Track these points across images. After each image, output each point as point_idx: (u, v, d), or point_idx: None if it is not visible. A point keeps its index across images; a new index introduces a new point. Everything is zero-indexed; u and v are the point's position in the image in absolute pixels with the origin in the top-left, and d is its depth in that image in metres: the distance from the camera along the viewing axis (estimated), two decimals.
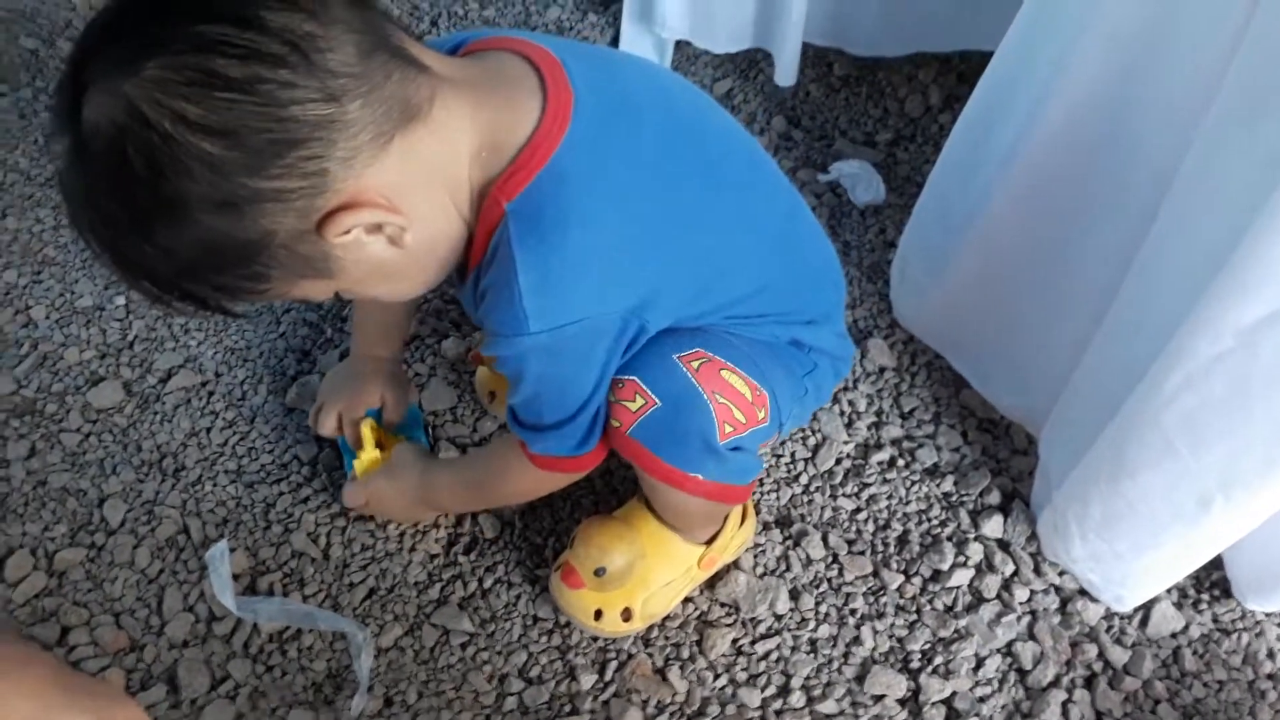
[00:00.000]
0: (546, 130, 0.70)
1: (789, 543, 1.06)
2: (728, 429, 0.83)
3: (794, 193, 0.91)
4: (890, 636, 1.01)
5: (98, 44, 0.61)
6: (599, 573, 0.94)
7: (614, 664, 0.98)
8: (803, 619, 1.01)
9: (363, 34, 0.64)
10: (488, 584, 1.03)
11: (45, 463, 1.11)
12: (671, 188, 0.77)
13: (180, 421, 1.14)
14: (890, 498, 1.09)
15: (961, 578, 1.03)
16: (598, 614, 0.97)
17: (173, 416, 1.14)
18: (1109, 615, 1.02)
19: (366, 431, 1.03)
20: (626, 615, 0.97)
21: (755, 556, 1.04)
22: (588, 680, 0.97)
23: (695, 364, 0.81)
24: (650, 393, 0.80)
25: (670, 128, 0.79)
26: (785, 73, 1.36)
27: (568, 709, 0.96)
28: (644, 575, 0.96)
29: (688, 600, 1.01)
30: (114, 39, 0.61)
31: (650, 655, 0.99)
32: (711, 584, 1.02)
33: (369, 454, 1.03)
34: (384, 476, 1.01)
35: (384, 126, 0.65)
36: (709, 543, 0.98)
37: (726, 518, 0.98)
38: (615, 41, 1.50)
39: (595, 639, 0.99)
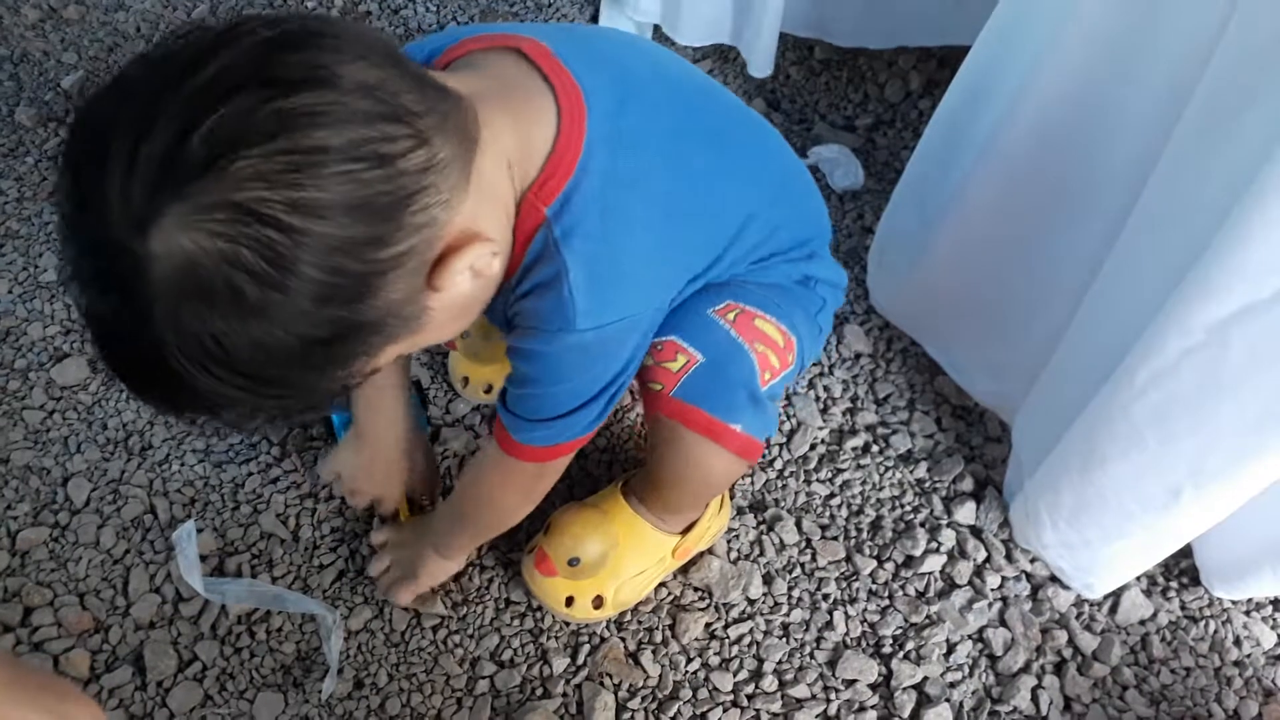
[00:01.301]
0: (568, 130, 0.69)
1: (762, 528, 1.06)
2: (766, 375, 0.84)
3: (766, 124, 0.91)
4: (863, 622, 1.01)
5: (126, 167, 0.51)
6: (572, 563, 0.94)
7: (586, 648, 0.98)
8: (775, 604, 1.01)
9: (404, 70, 0.60)
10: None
11: (7, 440, 1.09)
12: (685, 158, 0.77)
13: None
14: (864, 483, 1.09)
15: (934, 564, 1.04)
16: (569, 600, 0.96)
17: None
18: (1079, 602, 1.03)
19: (404, 504, 1.03)
20: (598, 603, 0.97)
21: (729, 541, 1.04)
22: (560, 664, 0.97)
23: (730, 315, 0.83)
24: (692, 350, 0.81)
25: (671, 98, 0.79)
26: (760, 64, 1.35)
27: (540, 692, 0.96)
28: (616, 564, 0.95)
29: (661, 585, 1.01)
30: (153, 158, 0.51)
31: (623, 639, 0.99)
32: (685, 569, 1.02)
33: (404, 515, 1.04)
34: (404, 533, 1.00)
35: (463, 159, 0.61)
36: (684, 532, 0.98)
37: (706, 507, 0.98)
38: (594, 20, 1.49)
39: (567, 623, 0.99)
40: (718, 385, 0.82)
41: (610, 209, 0.70)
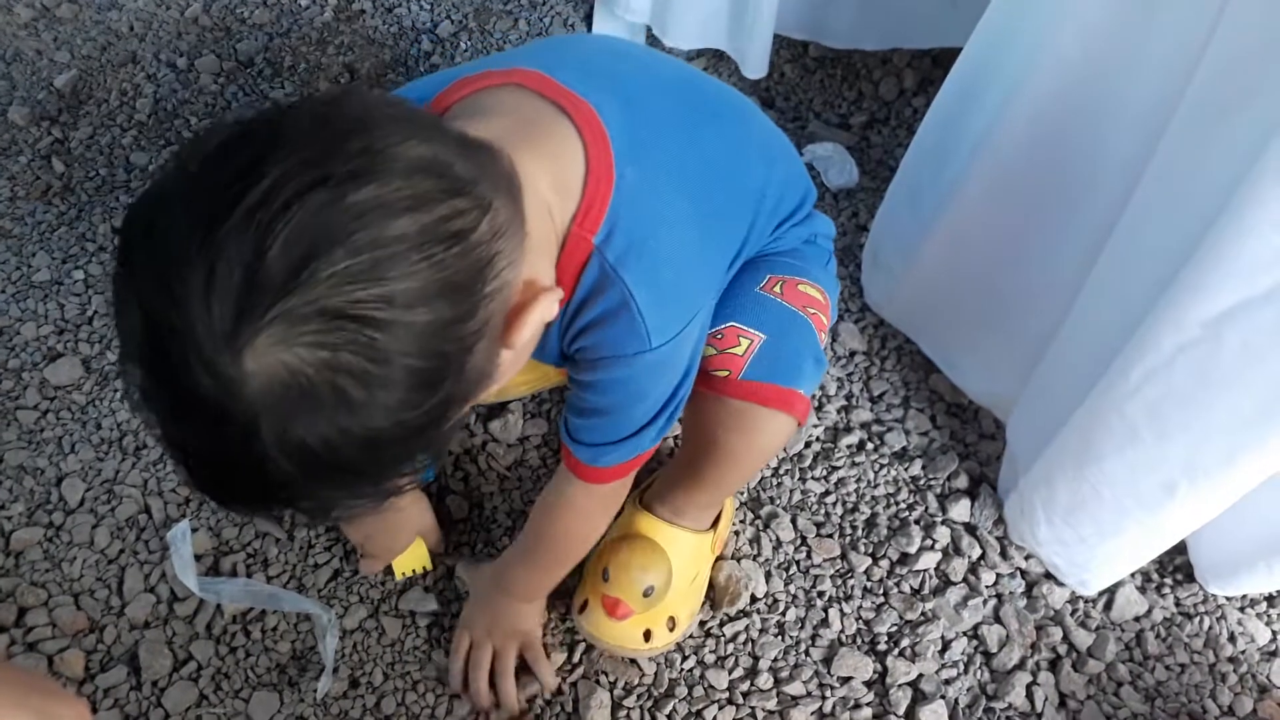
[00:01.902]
0: (596, 155, 0.68)
1: (759, 525, 1.06)
2: (823, 336, 0.87)
3: (739, 93, 0.90)
4: (858, 619, 1.01)
5: (204, 294, 0.49)
6: (648, 593, 0.92)
7: (582, 646, 0.98)
8: (772, 601, 1.01)
9: (447, 135, 0.59)
10: (455, 565, 1.02)
11: (1, 440, 1.08)
12: (698, 147, 0.77)
13: None
14: (859, 481, 1.09)
15: (929, 561, 1.04)
16: (647, 635, 0.95)
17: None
18: (1074, 599, 1.03)
19: (424, 549, 1.01)
20: (671, 625, 0.96)
21: (727, 540, 1.04)
22: (555, 661, 0.97)
23: (777, 288, 0.84)
24: (753, 330, 0.82)
25: (666, 94, 0.79)
26: (754, 66, 1.35)
27: (535, 690, 0.96)
28: (676, 580, 0.95)
29: None
30: (232, 279, 0.49)
31: None
32: None
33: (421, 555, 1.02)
34: (474, 609, 0.97)
35: (517, 213, 0.60)
36: (713, 526, 0.99)
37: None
38: (589, 20, 1.48)
39: (564, 621, 0.99)
40: (784, 357, 0.83)
41: (654, 220, 0.70)
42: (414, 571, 1.01)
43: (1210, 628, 1.02)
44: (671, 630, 0.96)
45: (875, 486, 1.09)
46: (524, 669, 0.96)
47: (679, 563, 0.95)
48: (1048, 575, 1.04)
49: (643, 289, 0.69)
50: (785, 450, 1.11)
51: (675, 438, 1.10)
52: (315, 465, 0.53)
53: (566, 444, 0.81)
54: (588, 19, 1.49)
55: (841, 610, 1.01)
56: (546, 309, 0.62)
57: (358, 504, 0.59)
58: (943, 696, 0.97)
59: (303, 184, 0.50)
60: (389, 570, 1.01)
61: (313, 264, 0.49)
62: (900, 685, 0.97)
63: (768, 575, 1.03)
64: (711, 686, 0.96)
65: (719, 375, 0.83)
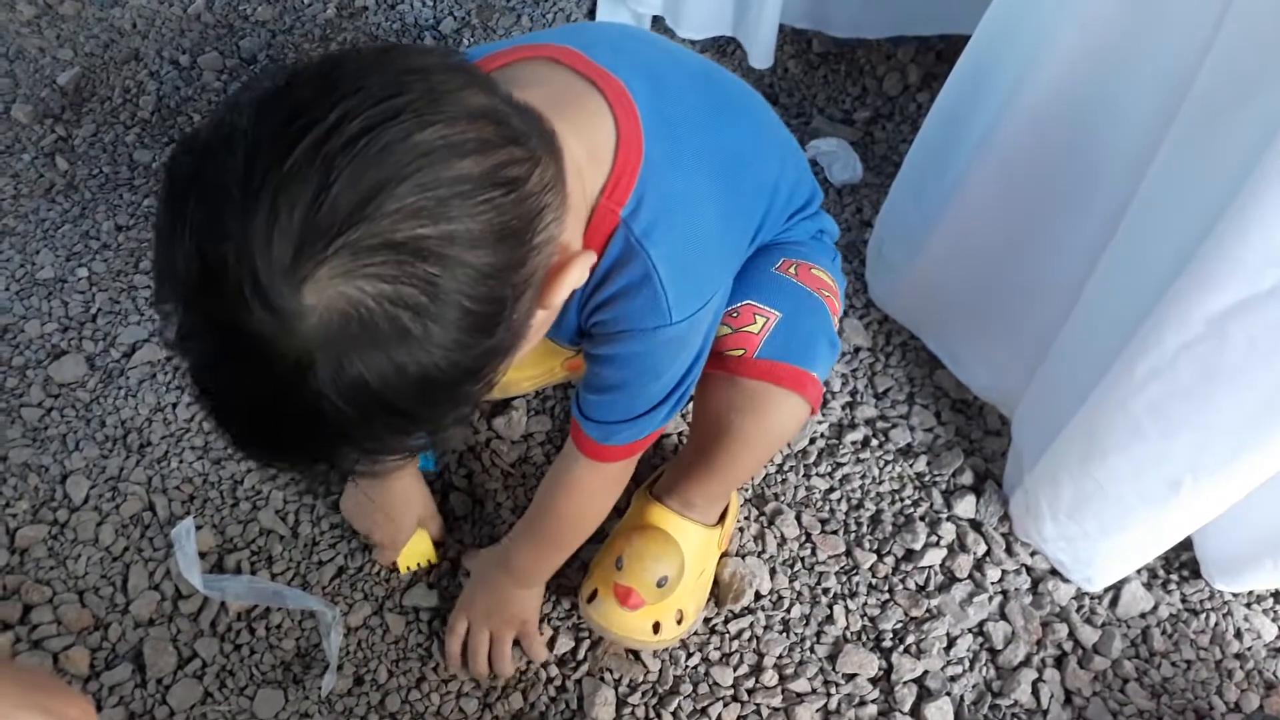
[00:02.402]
0: (626, 129, 0.69)
1: (763, 521, 1.05)
2: (835, 320, 0.88)
3: (752, 89, 0.91)
4: (863, 615, 1.01)
5: (267, 226, 0.48)
6: (661, 583, 0.92)
7: (586, 643, 0.98)
8: (777, 598, 1.01)
9: (498, 90, 0.59)
10: (459, 559, 1.02)
11: (5, 438, 1.08)
12: (720, 132, 0.77)
13: (145, 396, 1.12)
14: (864, 477, 1.09)
15: (934, 557, 1.04)
16: (655, 628, 0.95)
17: (137, 391, 1.12)
18: (1079, 595, 1.03)
19: (428, 542, 1.01)
20: (679, 618, 0.96)
21: (731, 537, 1.04)
22: (562, 648, 0.97)
23: (791, 270, 0.85)
24: (769, 308, 0.83)
25: (688, 79, 0.79)
26: (761, 55, 1.35)
27: (538, 686, 0.96)
28: (685, 574, 0.95)
29: None
30: (296, 210, 0.48)
31: None
32: None
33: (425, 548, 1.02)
34: (475, 591, 0.97)
35: (559, 173, 0.61)
36: (720, 521, 0.99)
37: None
38: (592, 14, 1.48)
39: (571, 613, 0.99)
40: (799, 337, 0.84)
41: (679, 197, 0.71)
42: (419, 565, 1.01)
43: (1216, 624, 1.02)
44: (679, 624, 0.96)
45: (880, 483, 1.09)
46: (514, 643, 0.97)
47: (689, 556, 0.95)
48: (1053, 572, 1.03)
49: (666, 263, 0.70)
50: (790, 446, 1.10)
51: (681, 434, 1.10)
52: (368, 403, 0.52)
53: (578, 421, 0.81)
54: (591, 14, 1.48)
55: (846, 607, 1.01)
56: (581, 271, 0.62)
57: (397, 454, 0.59)
58: (948, 693, 0.96)
59: (371, 119, 0.50)
60: (394, 565, 1.01)
61: (379, 197, 0.49)
62: (905, 682, 0.97)
63: (772, 572, 1.02)
64: (716, 683, 0.96)
65: (734, 355, 0.83)
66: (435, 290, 0.51)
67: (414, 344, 0.52)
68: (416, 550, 1.00)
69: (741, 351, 0.83)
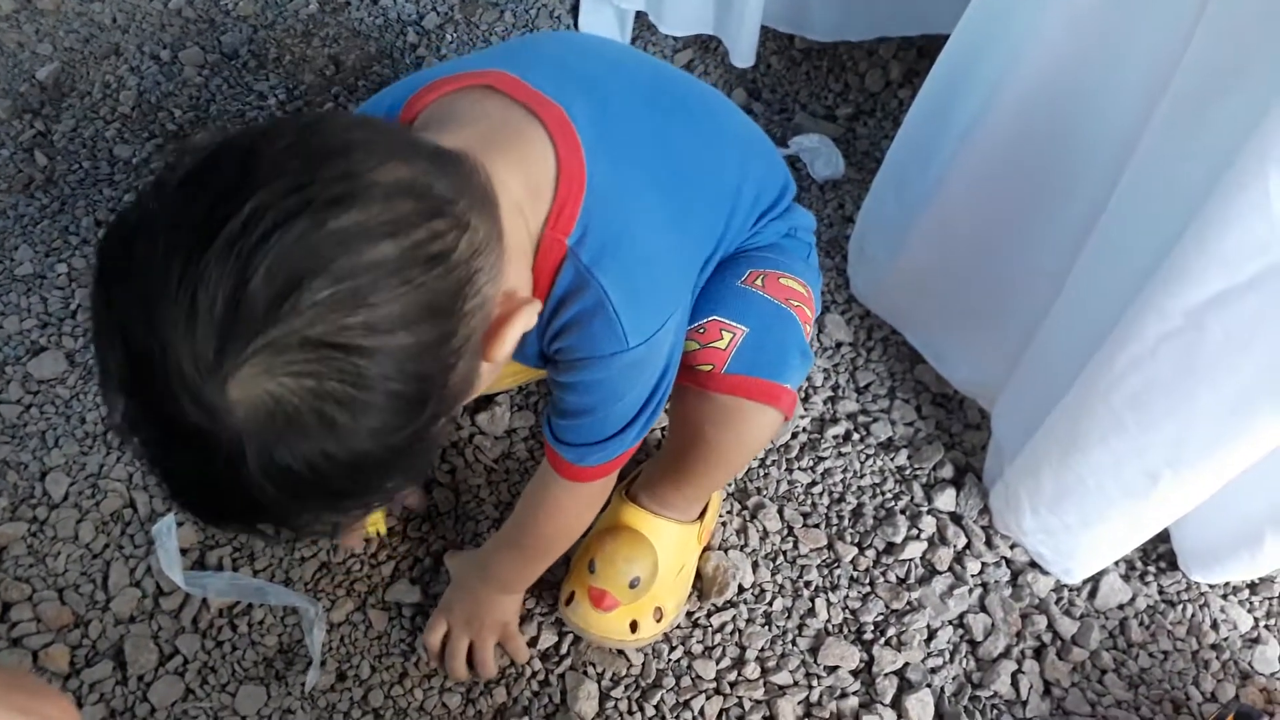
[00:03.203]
0: (566, 156, 0.68)
1: (745, 515, 1.06)
2: (807, 329, 0.86)
3: (708, 86, 0.90)
4: (844, 608, 1.01)
5: (187, 322, 0.49)
6: (634, 584, 0.93)
7: (570, 637, 0.98)
8: (759, 591, 1.02)
9: (425, 153, 0.59)
10: (441, 555, 1.02)
11: None
12: (670, 142, 0.77)
13: None
14: (845, 471, 1.10)
15: (914, 550, 1.04)
16: (633, 626, 0.96)
17: None
18: (1058, 587, 1.03)
19: (378, 513, 1.01)
20: (659, 616, 0.97)
21: (714, 531, 1.04)
22: (545, 643, 0.97)
23: (758, 281, 0.83)
24: (735, 323, 0.82)
25: (634, 89, 0.79)
26: (743, 54, 1.35)
27: (521, 681, 0.96)
28: (663, 572, 0.95)
29: None
30: (214, 308, 0.49)
31: None
32: None
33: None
34: (454, 597, 0.96)
35: (494, 226, 0.61)
36: (700, 517, 0.99)
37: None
38: (574, 11, 1.48)
39: (552, 612, 0.99)
40: (769, 350, 0.83)
41: (627, 219, 0.70)
42: (370, 536, 1.00)
43: (1193, 615, 1.03)
44: (659, 621, 0.97)
45: (861, 477, 1.10)
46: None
47: (665, 554, 0.95)
48: (1032, 564, 1.04)
49: (618, 289, 0.69)
50: (772, 441, 1.11)
51: (663, 429, 1.10)
52: (300, 488, 0.53)
53: (551, 445, 0.81)
54: (574, 10, 1.48)
55: (828, 600, 1.02)
56: (526, 320, 0.63)
57: (344, 519, 0.60)
58: (929, 685, 0.97)
59: (283, 212, 0.50)
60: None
61: (295, 293, 0.49)
62: (886, 674, 0.98)
63: (755, 566, 1.03)
64: (699, 677, 0.97)
65: (703, 370, 0.82)
66: (361, 380, 0.52)
67: (342, 433, 0.52)
68: (368, 521, 1.00)
69: (710, 367, 0.82)
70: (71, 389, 1.11)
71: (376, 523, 1.01)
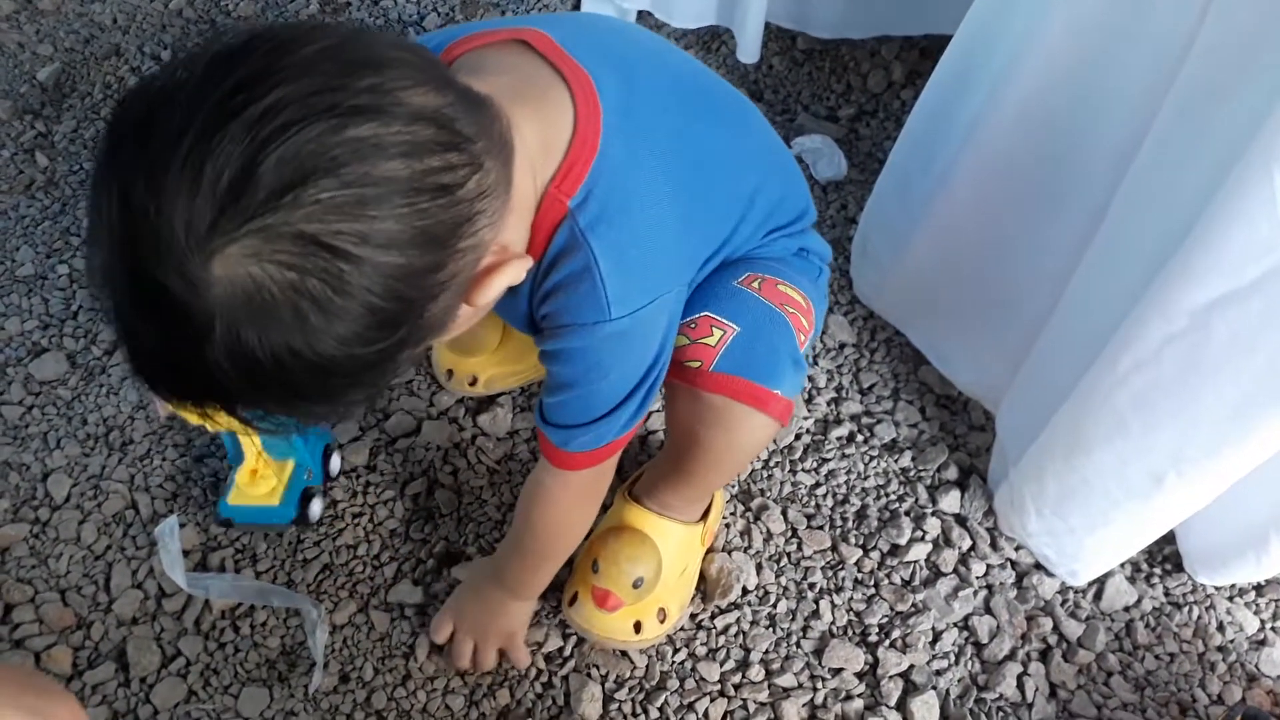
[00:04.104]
0: (584, 121, 0.69)
1: (749, 517, 1.06)
2: (801, 337, 0.85)
3: (746, 98, 0.90)
4: (849, 610, 1.01)
5: (190, 191, 0.50)
6: (637, 584, 0.92)
7: (573, 639, 0.98)
8: (763, 593, 1.01)
9: (454, 89, 0.59)
10: (444, 557, 1.02)
11: None
12: (693, 136, 0.77)
13: (127, 394, 1.11)
14: (849, 473, 1.09)
15: (919, 552, 1.04)
16: (637, 627, 0.95)
17: (119, 389, 1.11)
18: (1064, 589, 1.03)
19: (248, 443, 0.97)
20: (662, 616, 0.96)
21: (718, 532, 1.04)
22: (546, 656, 0.97)
23: (755, 284, 0.83)
24: (728, 321, 0.81)
25: (669, 79, 0.79)
26: (748, 49, 1.35)
27: (525, 683, 0.96)
28: (666, 573, 0.95)
29: None
30: (219, 183, 0.50)
31: None
32: None
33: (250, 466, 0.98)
34: (466, 601, 0.96)
35: (505, 175, 0.62)
36: (704, 517, 0.98)
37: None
38: (576, 10, 1.48)
39: (556, 613, 0.99)
40: (758, 352, 0.82)
41: (632, 193, 0.70)
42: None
43: (1199, 617, 1.02)
44: (662, 622, 0.96)
45: (865, 478, 1.09)
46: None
47: (669, 554, 0.95)
48: (1038, 566, 1.04)
49: (607, 257, 0.69)
50: (775, 442, 1.10)
51: (665, 430, 1.10)
52: (259, 376, 0.54)
53: (540, 426, 0.81)
54: (575, 9, 1.48)
55: (832, 602, 1.01)
56: (514, 274, 0.64)
57: (290, 422, 0.61)
58: (934, 687, 0.97)
59: (307, 108, 0.51)
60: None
61: (300, 187, 0.50)
62: (891, 676, 0.97)
63: (759, 567, 1.03)
64: (703, 679, 0.96)
65: (691, 366, 0.82)
66: (341, 285, 0.53)
67: (312, 333, 0.53)
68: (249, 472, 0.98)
69: (699, 364, 0.82)
70: (73, 390, 1.11)
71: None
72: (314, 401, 0.59)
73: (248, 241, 0.50)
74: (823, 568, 1.03)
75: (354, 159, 0.52)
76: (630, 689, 0.96)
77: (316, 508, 0.96)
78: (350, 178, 0.51)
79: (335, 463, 1.06)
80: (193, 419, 0.93)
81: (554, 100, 0.69)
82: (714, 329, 0.81)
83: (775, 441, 1.11)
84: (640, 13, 1.43)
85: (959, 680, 0.98)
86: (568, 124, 0.69)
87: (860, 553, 1.04)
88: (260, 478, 0.99)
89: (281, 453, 1.00)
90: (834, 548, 1.05)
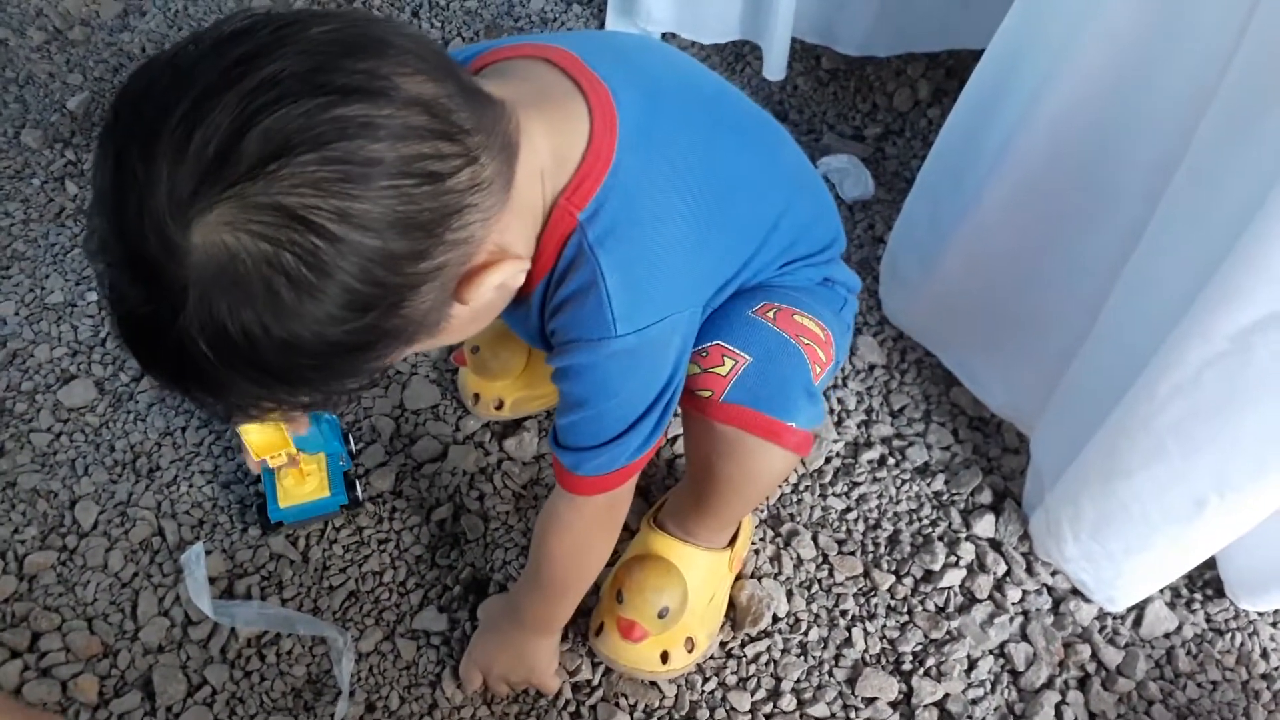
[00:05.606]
0: (600, 134, 0.68)
1: (779, 542, 1.04)
2: (816, 369, 0.83)
3: (777, 123, 0.89)
4: (882, 638, 0.99)
5: (176, 155, 0.51)
6: (662, 614, 0.91)
7: (601, 668, 0.97)
8: (794, 620, 1.00)
9: (458, 82, 0.59)
10: (470, 583, 1.01)
11: (14, 463, 1.08)
12: (714, 158, 0.76)
13: (154, 421, 1.11)
14: (880, 497, 1.08)
15: (953, 578, 1.02)
16: (664, 657, 0.94)
17: (146, 415, 1.12)
18: (1102, 615, 1.01)
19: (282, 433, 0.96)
20: (690, 646, 0.95)
21: (746, 559, 1.03)
22: (575, 685, 0.96)
23: (770, 314, 0.81)
24: (739, 351, 0.80)
25: (693, 99, 0.78)
26: (774, 67, 1.35)
27: (553, 713, 0.94)
28: (693, 601, 0.94)
29: None
30: (205, 149, 0.51)
31: None
32: None
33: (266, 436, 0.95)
34: (484, 638, 0.95)
35: (505, 174, 0.62)
36: (731, 544, 0.97)
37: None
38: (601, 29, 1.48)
39: (583, 646, 0.98)
40: (771, 384, 0.80)
41: (644, 210, 0.70)
42: (284, 464, 0.97)
43: (1242, 644, 1.00)
44: (690, 652, 0.95)
45: (897, 502, 1.08)
46: None
47: (695, 582, 0.94)
48: (1075, 592, 1.02)
49: (615, 273, 0.69)
50: (805, 466, 1.09)
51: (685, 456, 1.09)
52: (229, 352, 0.55)
53: (552, 450, 0.80)
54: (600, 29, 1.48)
55: (865, 629, 1.00)
56: (508, 274, 0.63)
57: (260, 405, 0.60)
58: (970, 717, 0.95)
59: (300, 82, 0.52)
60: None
61: (283, 159, 0.51)
62: (926, 706, 0.95)
63: (789, 594, 1.01)
64: (734, 709, 0.95)
65: (702, 395, 0.81)
66: (316, 263, 0.53)
67: (283, 310, 0.54)
68: (271, 441, 0.95)
69: (710, 393, 0.80)
70: (101, 417, 1.11)
71: (286, 445, 0.96)
72: (286, 382, 0.59)
73: (224, 209, 0.51)
74: (855, 594, 1.02)
75: (340, 136, 0.52)
76: (659, 719, 0.94)
77: (360, 487, 0.98)
78: (334, 155, 0.52)
79: (351, 442, 1.08)
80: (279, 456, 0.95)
81: (570, 111, 0.69)
82: (725, 358, 0.80)
83: (804, 465, 1.09)
84: (664, 35, 1.43)
85: (995, 709, 0.96)
86: (582, 136, 0.68)
87: (893, 579, 1.02)
88: (306, 475, 1.00)
89: (315, 446, 1.01)
90: (866, 574, 1.03)
